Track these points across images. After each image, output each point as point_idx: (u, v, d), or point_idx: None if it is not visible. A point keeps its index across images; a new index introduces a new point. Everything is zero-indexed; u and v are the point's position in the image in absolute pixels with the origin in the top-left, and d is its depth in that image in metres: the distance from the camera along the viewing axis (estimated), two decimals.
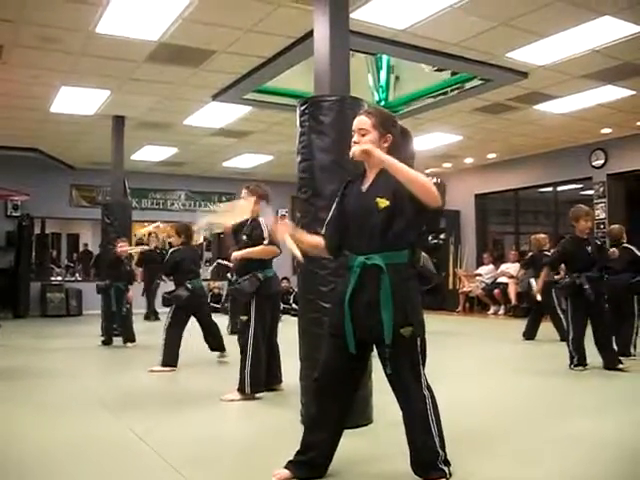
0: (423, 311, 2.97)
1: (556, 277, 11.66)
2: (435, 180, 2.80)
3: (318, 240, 3.21)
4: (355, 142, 2.97)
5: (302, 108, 4.29)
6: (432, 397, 2.91)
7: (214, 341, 6.96)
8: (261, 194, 5.29)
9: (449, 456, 2.91)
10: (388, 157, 2.80)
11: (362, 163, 3.03)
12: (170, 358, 6.48)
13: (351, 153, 2.90)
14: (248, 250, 5.15)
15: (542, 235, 9.46)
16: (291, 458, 3.04)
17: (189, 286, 6.61)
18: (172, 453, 3.53)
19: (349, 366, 3.00)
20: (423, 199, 2.75)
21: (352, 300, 2.91)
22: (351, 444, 3.47)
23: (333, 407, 3.00)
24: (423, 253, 3.03)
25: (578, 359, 6.29)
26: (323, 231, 3.22)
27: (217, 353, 7.03)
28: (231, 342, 6.90)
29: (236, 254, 5.23)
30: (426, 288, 3.09)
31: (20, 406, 4.92)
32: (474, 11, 6.54)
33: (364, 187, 3.00)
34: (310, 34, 6.47)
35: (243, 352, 5.08)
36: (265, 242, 5.09)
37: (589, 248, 6.37)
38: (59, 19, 6.61)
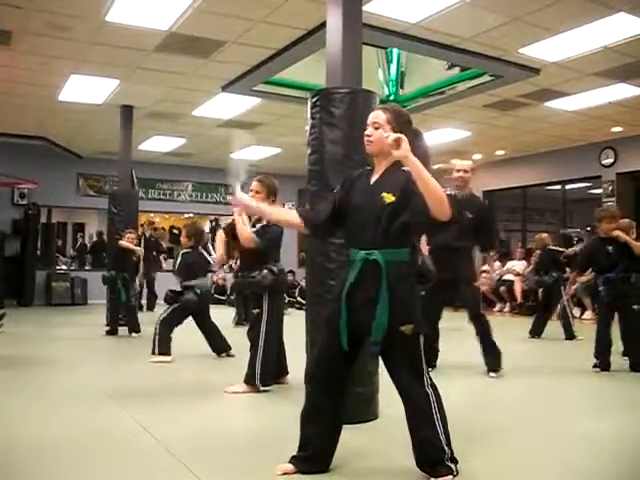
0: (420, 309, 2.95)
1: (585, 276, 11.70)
2: (449, 192, 2.76)
3: (290, 216, 3.26)
4: (367, 135, 2.98)
5: (313, 100, 4.24)
6: (436, 395, 2.89)
7: (217, 344, 6.84)
8: (273, 188, 5.20)
9: (456, 454, 2.88)
10: (416, 162, 2.70)
11: (371, 158, 3.04)
12: (166, 347, 6.49)
13: (388, 139, 2.76)
14: (243, 226, 4.94)
15: (545, 234, 9.47)
16: (294, 453, 3.02)
17: (198, 291, 6.64)
18: (177, 445, 3.50)
19: (343, 360, 2.97)
20: (434, 210, 2.71)
21: (350, 295, 2.90)
22: (356, 439, 3.45)
23: (326, 401, 2.98)
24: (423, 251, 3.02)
25: (598, 361, 6.09)
26: (305, 212, 3.33)
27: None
28: (235, 334, 6.89)
29: (237, 217, 4.99)
30: (425, 287, 3.08)
31: (23, 395, 4.90)
32: (487, 6, 6.49)
33: (372, 180, 3.00)
34: (321, 26, 6.45)
35: (254, 345, 5.03)
36: (253, 230, 5.00)
37: (610, 248, 6.16)
38: (69, 6, 6.59)
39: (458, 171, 6.01)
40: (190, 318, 6.74)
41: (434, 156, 13.84)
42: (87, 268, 15.90)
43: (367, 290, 2.85)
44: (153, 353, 6.49)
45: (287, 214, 3.34)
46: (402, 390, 2.91)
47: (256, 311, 5.10)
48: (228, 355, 6.77)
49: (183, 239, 6.95)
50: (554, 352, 7.78)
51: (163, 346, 6.49)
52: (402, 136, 2.74)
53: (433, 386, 2.89)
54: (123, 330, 8.65)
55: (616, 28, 6.95)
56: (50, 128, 12.40)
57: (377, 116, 2.98)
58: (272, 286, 5.05)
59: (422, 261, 2.98)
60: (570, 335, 8.63)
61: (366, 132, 3.00)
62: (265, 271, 5.03)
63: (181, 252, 6.87)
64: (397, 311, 2.80)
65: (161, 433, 3.75)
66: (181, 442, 3.58)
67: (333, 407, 2.99)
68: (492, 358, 5.82)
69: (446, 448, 2.81)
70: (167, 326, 6.57)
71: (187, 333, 6.68)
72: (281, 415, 4.33)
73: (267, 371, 5.01)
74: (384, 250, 2.84)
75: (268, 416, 4.39)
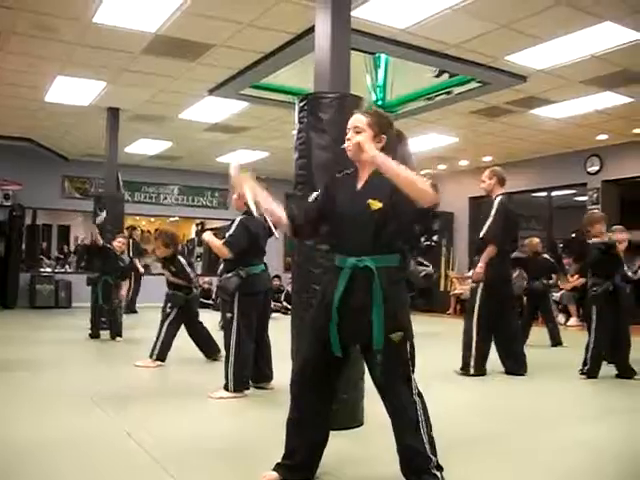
0: (410, 315, 2.93)
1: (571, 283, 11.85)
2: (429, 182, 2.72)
3: (280, 214, 3.14)
4: (348, 139, 2.95)
5: (301, 104, 4.23)
6: (422, 402, 2.86)
7: (207, 346, 6.81)
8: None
9: (441, 461, 2.87)
10: (380, 154, 2.74)
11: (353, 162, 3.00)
12: (163, 353, 6.45)
13: (346, 145, 2.90)
14: (212, 239, 5.20)
15: (536, 239, 9.51)
16: (279, 461, 2.99)
17: (189, 289, 6.65)
18: (159, 450, 3.48)
19: (329, 368, 2.95)
20: (417, 199, 2.69)
21: (340, 303, 2.85)
22: (341, 446, 3.43)
23: (313, 408, 2.95)
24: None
25: (590, 369, 6.08)
26: (294, 210, 3.16)
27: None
28: (220, 339, 6.85)
29: (204, 235, 5.38)
30: (411, 294, 3.05)
31: (4, 399, 4.85)
32: (475, 13, 6.51)
33: (358, 186, 2.95)
34: (309, 31, 6.45)
35: (226, 350, 5.09)
36: (222, 241, 5.10)
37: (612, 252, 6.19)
38: (57, 7, 6.54)
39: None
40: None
41: (422, 161, 13.92)
42: (71, 271, 15.78)
43: (358, 297, 2.82)
44: (151, 357, 6.43)
45: (279, 210, 3.16)
46: (389, 398, 2.87)
47: (229, 315, 5.12)
48: (216, 359, 6.71)
49: (160, 250, 6.64)
50: (541, 359, 7.78)
51: (162, 352, 6.44)
52: (362, 139, 2.80)
53: (420, 394, 2.87)
54: (105, 334, 8.57)
55: (603, 37, 6.99)
56: (36, 129, 12.32)
57: (358, 120, 2.94)
58: (240, 290, 5.05)
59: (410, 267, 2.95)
60: (557, 341, 8.68)
61: (347, 137, 2.96)
62: (233, 275, 5.05)
63: (178, 260, 6.66)
64: (388, 318, 2.78)
65: (144, 438, 3.72)
66: (164, 447, 3.56)
67: (320, 414, 2.97)
68: (464, 358, 6.22)
69: (431, 456, 2.79)
70: (171, 330, 6.51)
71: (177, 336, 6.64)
72: (265, 421, 4.30)
73: (240, 375, 5.00)
74: (375, 256, 2.82)
75: (252, 422, 4.37)
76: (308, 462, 2.97)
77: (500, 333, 6.31)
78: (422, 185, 2.67)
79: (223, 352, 6.56)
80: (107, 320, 8.68)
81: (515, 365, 6.29)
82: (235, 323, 5.04)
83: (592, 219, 6.37)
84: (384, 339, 2.76)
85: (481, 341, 6.16)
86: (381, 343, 2.76)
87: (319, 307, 2.99)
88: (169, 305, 6.59)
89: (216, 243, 5.12)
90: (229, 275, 5.09)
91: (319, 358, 2.93)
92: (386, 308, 2.77)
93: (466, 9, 6.42)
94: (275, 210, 3.17)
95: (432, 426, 2.86)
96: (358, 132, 2.91)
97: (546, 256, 9.33)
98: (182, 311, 6.57)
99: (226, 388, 5.01)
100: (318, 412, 2.96)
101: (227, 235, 5.11)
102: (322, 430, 3.00)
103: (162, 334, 6.49)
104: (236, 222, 5.16)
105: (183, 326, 6.72)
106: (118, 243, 8.71)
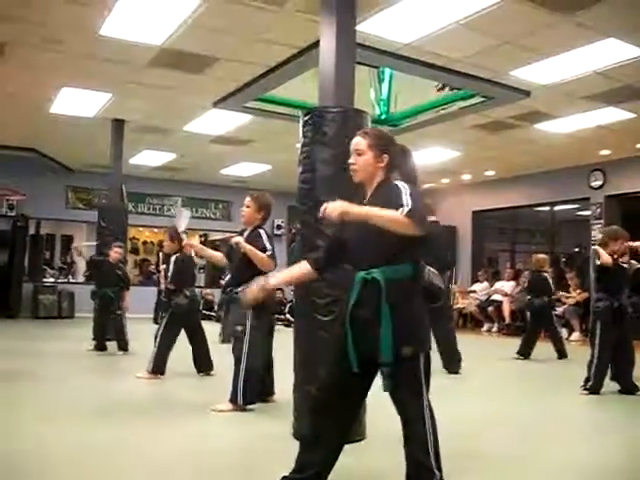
0: (429, 328, 2.91)
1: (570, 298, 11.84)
2: (406, 210, 2.68)
3: (302, 272, 3.23)
4: (351, 162, 2.99)
5: (305, 118, 4.26)
6: (432, 417, 2.84)
7: (202, 360, 6.73)
8: (263, 204, 5.26)
9: (445, 476, 2.86)
10: (360, 210, 2.76)
11: (361, 183, 3.02)
12: (161, 365, 6.42)
13: (326, 213, 2.82)
14: (252, 248, 5.03)
15: (543, 255, 9.51)
16: (286, 474, 2.95)
17: (188, 293, 6.56)
18: (161, 464, 3.47)
19: (352, 384, 2.92)
20: (404, 233, 2.69)
21: (353, 317, 2.86)
22: (343, 460, 3.40)
23: (332, 426, 2.92)
24: (430, 268, 2.94)
25: (594, 384, 6.04)
26: (316, 255, 3.25)
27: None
28: (220, 351, 6.83)
29: (240, 241, 5.10)
30: (434, 305, 3.02)
31: (5, 411, 4.85)
32: (479, 28, 6.54)
33: (365, 200, 2.98)
34: (314, 45, 6.47)
35: (238, 362, 5.01)
36: (268, 253, 5.03)
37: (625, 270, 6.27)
38: (63, 20, 6.59)
39: None
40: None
41: (425, 175, 13.92)
42: (74, 281, 15.79)
43: (367, 310, 2.80)
44: (148, 370, 6.41)
45: (296, 271, 3.28)
46: (400, 410, 2.86)
47: (240, 328, 5.07)
48: (207, 374, 6.68)
49: (167, 243, 6.78)
50: (544, 373, 7.77)
51: (158, 365, 6.40)
52: (325, 205, 2.80)
53: (430, 408, 2.84)
54: (112, 345, 8.55)
55: (606, 53, 7.03)
56: (40, 140, 12.37)
57: (358, 143, 2.98)
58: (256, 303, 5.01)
59: (428, 278, 2.89)
60: (563, 354, 8.68)
61: (350, 161, 3.00)
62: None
63: (173, 258, 6.67)
64: (399, 332, 2.75)
65: (146, 451, 3.72)
66: (165, 461, 3.55)
67: (339, 431, 2.94)
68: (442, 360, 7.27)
69: (436, 471, 2.77)
70: (167, 340, 6.46)
71: (175, 349, 6.61)
72: (268, 433, 4.29)
73: (250, 389, 4.96)
74: (383, 268, 2.80)
75: (254, 435, 4.35)
76: (318, 478, 2.93)
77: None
78: (401, 221, 2.67)
79: (215, 370, 6.64)
80: (112, 333, 8.61)
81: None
82: (249, 336, 5.00)
83: (616, 235, 6.31)
84: (394, 353, 2.76)
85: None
86: (389, 357, 2.76)
87: (340, 321, 3.01)
88: (162, 314, 6.58)
89: (260, 254, 5.01)
90: (245, 286, 5.03)
91: (342, 373, 2.91)
92: (395, 322, 2.75)
93: (470, 24, 6.45)
94: (292, 277, 3.49)
95: (439, 441, 2.85)
96: (359, 154, 2.96)
97: (546, 275, 9.20)
98: (176, 320, 6.51)
99: (233, 402, 4.95)
100: (338, 429, 2.93)
101: (268, 247, 5.04)
102: (339, 447, 2.96)
103: (157, 346, 6.46)
104: (264, 235, 5.12)
105: (185, 335, 6.71)
106: (115, 253, 8.65)
